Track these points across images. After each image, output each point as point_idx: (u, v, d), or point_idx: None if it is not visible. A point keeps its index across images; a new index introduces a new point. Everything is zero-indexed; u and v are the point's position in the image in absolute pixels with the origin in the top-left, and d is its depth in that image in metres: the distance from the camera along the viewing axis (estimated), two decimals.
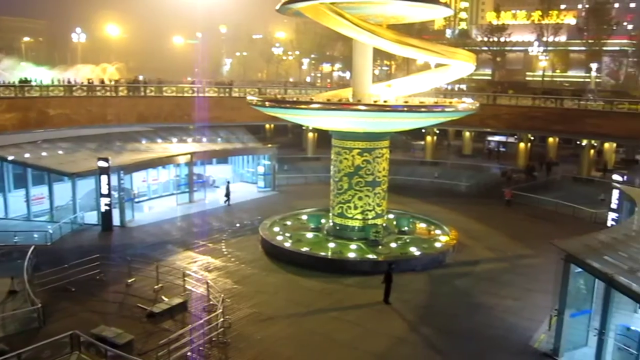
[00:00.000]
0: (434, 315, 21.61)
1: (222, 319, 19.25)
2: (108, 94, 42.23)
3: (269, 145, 45.13)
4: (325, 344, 19.06)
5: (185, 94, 45.45)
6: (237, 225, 33.50)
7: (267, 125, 60.74)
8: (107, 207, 31.78)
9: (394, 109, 26.40)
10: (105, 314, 20.70)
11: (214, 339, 18.63)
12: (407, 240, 29.26)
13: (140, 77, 63.06)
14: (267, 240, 28.74)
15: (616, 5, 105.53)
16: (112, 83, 47.48)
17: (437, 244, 28.75)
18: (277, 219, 32.54)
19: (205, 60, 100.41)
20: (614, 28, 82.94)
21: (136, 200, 36.60)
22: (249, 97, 29.59)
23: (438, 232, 30.91)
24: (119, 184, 32.75)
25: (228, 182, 40.02)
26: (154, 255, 27.32)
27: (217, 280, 24.35)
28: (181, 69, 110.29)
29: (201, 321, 18.80)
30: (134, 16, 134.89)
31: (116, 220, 32.43)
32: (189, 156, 38.89)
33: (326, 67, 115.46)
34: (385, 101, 27.40)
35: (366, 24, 25.46)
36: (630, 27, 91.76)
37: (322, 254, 27.16)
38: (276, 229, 30.82)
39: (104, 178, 31.46)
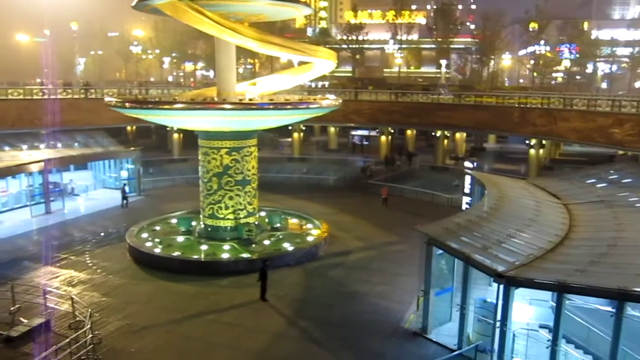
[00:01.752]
0: (310, 307, 22.07)
1: (90, 335, 18.05)
2: None
3: (132, 148, 43.16)
4: (204, 349, 18.67)
5: (35, 97, 41.88)
6: (102, 234, 31.60)
7: (129, 128, 57.97)
8: None
9: (260, 107, 26.46)
10: None
11: (83, 357, 17.43)
12: (280, 237, 29.54)
13: None
14: (135, 247, 27.46)
15: (460, 6, 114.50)
16: None
17: (309, 238, 29.34)
18: (145, 224, 31.20)
19: (56, 59, 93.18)
20: (459, 28, 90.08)
21: None
22: (107, 99, 28.01)
23: (310, 226, 31.57)
24: None
25: (124, 185, 38.64)
26: (7, 274, 24.86)
27: (83, 295, 22.81)
28: (28, 69, 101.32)
29: (67, 340, 17.48)
30: None
31: None
32: (42, 164, 35.90)
33: (189, 66, 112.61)
34: (250, 99, 27.37)
35: (227, 22, 25.19)
36: (472, 26, 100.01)
37: (195, 257, 26.57)
38: (144, 235, 29.56)
39: None
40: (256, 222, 29.73)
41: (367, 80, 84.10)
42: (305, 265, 26.53)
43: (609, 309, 14.56)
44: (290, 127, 53.96)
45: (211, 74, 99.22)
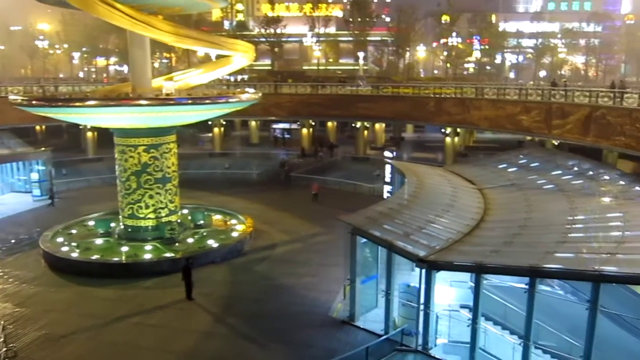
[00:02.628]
0: (238, 303, 21.91)
1: (4, 349, 17.07)
2: None
3: (42, 149, 40.90)
4: (129, 353, 18.12)
5: None
6: (12, 241, 29.77)
7: (38, 127, 54.87)
8: None
9: (178, 102, 25.83)
10: None
11: None
12: (204, 234, 29.07)
13: None
14: (50, 253, 26.12)
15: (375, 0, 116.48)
16: None
17: (234, 234, 29.06)
18: (60, 228, 29.71)
19: None
20: (375, 20, 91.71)
21: None
22: (11, 97, 26.37)
23: (234, 221, 31.26)
24: None
25: (51, 187, 37.57)
26: None
27: None
28: None
29: None
30: None
31: None
32: None
33: (101, 61, 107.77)
34: (167, 94, 26.65)
35: (140, 15, 24.35)
36: (388, 19, 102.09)
37: (116, 259, 25.64)
38: (60, 239, 28.16)
39: None
40: (179, 221, 29.11)
41: (286, 73, 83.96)
42: (231, 262, 26.30)
43: (523, 285, 15.44)
44: (210, 122, 53.03)
45: (125, 69, 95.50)
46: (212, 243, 27.56)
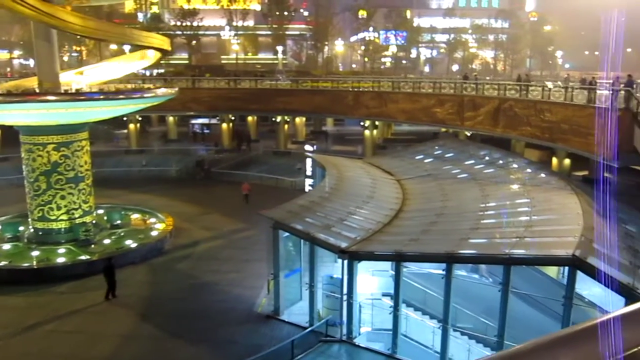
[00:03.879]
0: (161, 304, 21.37)
1: None
2: None
3: None
4: None
5: None
6: None
7: None
8: None
9: (89, 97, 24.75)
10: None
11: None
12: (122, 234, 28.10)
13: None
14: None
15: None
16: None
17: (154, 233, 28.29)
18: None
19: None
20: (293, 14, 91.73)
21: None
22: None
23: (153, 220, 30.40)
24: None
25: None
26: None
27: None
28: None
29: None
30: None
31: None
32: None
33: (3, 54, 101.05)
34: (78, 90, 25.45)
35: (45, 6, 23.02)
36: (306, 13, 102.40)
37: (26, 264, 24.27)
38: None
39: None
40: (94, 221, 27.94)
41: (204, 67, 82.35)
42: (152, 261, 25.59)
43: (440, 271, 16.05)
44: (125, 118, 51.14)
45: (32, 62, 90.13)
46: (131, 243, 26.69)
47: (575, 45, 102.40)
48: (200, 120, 61.91)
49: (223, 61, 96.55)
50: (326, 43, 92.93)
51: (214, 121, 60.36)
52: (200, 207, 34.93)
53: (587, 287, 16.10)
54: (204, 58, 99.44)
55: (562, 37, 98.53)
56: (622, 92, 25.12)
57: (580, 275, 13.76)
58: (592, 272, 13.10)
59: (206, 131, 61.55)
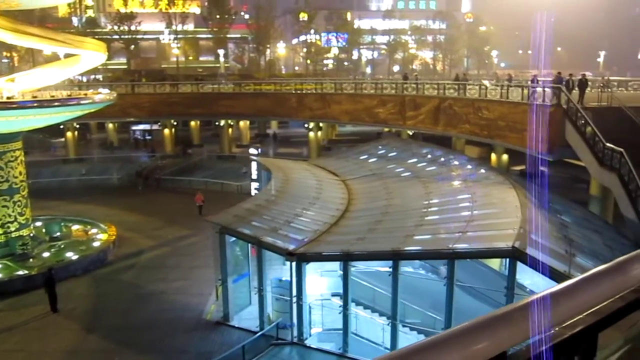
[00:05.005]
0: (105, 316, 20.72)
1: None
2: None
3: None
4: None
5: None
6: None
7: None
8: None
9: (22, 105, 23.66)
10: None
11: None
12: (62, 246, 27.08)
13: None
14: None
15: None
16: None
17: (96, 243, 27.42)
18: None
19: None
20: (234, 17, 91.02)
21: None
22: None
23: (95, 230, 29.46)
24: None
25: None
26: None
27: None
28: None
29: None
30: None
31: None
32: None
33: None
34: (9, 97, 24.36)
35: None
36: (247, 16, 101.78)
37: None
38: None
39: None
40: (32, 234, 26.80)
41: (144, 72, 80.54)
42: (95, 273, 24.79)
43: (387, 269, 16.28)
44: (62, 126, 49.37)
45: None
46: (72, 255, 25.75)
47: (509, 45, 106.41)
48: (141, 127, 60.56)
49: (163, 65, 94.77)
50: (268, 46, 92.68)
51: (155, 127, 59.19)
52: (144, 215, 34.09)
53: (529, 277, 16.73)
54: (144, 62, 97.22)
55: (497, 37, 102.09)
56: (552, 89, 26.26)
57: (521, 265, 14.26)
58: (531, 262, 13.60)
59: (148, 137, 60.27)
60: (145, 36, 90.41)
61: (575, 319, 1.83)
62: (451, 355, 1.49)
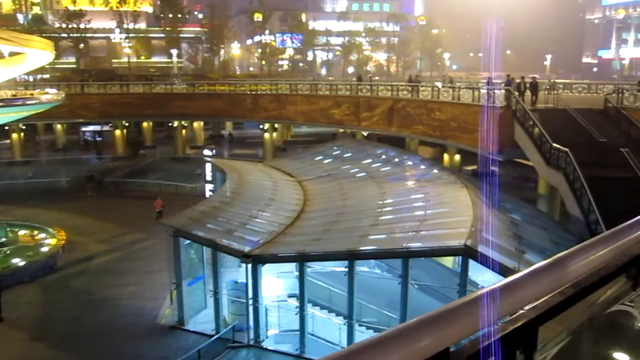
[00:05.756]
0: (54, 324, 20.07)
1: None
2: None
3: None
4: None
5: None
6: None
7: None
8: None
9: None
10: None
11: None
12: (8, 252, 26.11)
13: None
14: None
15: None
16: None
17: (44, 249, 26.57)
18: None
19: None
20: (187, 17, 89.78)
21: None
22: None
23: (43, 235, 28.53)
24: None
25: None
26: None
27: None
28: None
29: None
30: None
31: None
32: None
33: None
34: None
35: None
36: (200, 16, 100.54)
37: None
38: None
39: None
40: None
41: (94, 71, 78.50)
42: (43, 279, 23.98)
43: (343, 269, 16.38)
44: (6, 127, 47.56)
45: None
46: (19, 261, 24.86)
47: (461, 48, 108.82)
48: (91, 128, 58.90)
49: (114, 65, 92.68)
50: (222, 46, 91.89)
51: (106, 128, 57.72)
52: (95, 219, 33.19)
53: (481, 274, 17.12)
54: (94, 62, 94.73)
55: (449, 40, 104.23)
56: (503, 91, 27.01)
57: (473, 263, 14.60)
58: (482, 260, 13.94)
59: (98, 139, 58.67)
60: (95, 35, 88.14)
61: (517, 314, 1.90)
62: (392, 354, 1.50)
